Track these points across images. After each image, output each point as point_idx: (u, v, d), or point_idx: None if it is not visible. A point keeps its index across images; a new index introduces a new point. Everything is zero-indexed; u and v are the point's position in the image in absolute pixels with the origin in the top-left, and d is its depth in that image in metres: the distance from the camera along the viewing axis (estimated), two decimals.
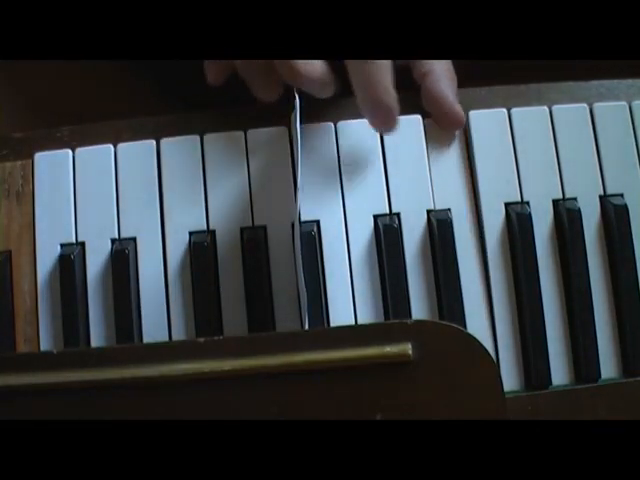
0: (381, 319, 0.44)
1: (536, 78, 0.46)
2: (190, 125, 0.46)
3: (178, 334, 0.43)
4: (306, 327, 0.39)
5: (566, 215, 0.44)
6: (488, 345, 0.40)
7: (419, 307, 0.44)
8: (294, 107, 0.44)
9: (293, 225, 0.44)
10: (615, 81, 0.47)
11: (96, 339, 0.43)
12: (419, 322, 0.36)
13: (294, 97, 0.44)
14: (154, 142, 0.45)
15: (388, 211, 0.45)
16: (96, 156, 0.45)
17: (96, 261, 0.44)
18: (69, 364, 0.35)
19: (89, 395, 0.35)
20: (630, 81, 0.46)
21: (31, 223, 0.44)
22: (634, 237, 0.44)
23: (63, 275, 0.43)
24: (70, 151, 0.45)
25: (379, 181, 0.45)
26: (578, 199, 0.45)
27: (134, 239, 0.44)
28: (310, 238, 0.43)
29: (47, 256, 0.44)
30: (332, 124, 0.46)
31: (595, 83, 0.47)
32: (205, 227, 0.45)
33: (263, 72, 0.43)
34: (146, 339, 0.43)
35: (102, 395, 0.35)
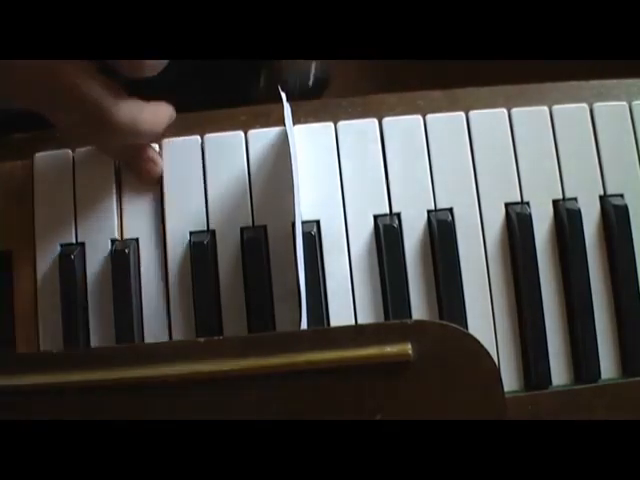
0: (381, 319, 0.44)
1: (536, 78, 0.46)
2: (190, 125, 0.46)
3: (178, 334, 0.43)
4: (303, 327, 0.39)
5: (566, 215, 0.44)
6: (488, 345, 0.40)
7: (419, 307, 0.44)
8: (283, 107, 0.44)
9: (293, 225, 0.44)
10: (615, 81, 0.47)
11: (96, 339, 0.43)
12: (419, 322, 0.36)
13: (281, 98, 0.44)
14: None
15: (388, 211, 0.45)
16: (96, 156, 0.45)
17: (96, 261, 0.44)
18: (69, 364, 0.35)
19: (89, 395, 0.35)
20: (630, 81, 0.47)
21: (31, 223, 0.44)
22: (634, 237, 0.44)
23: (63, 275, 0.43)
24: (70, 151, 0.45)
25: (379, 181, 0.45)
26: (578, 199, 0.45)
27: (134, 239, 0.44)
28: (310, 238, 0.44)
29: (47, 256, 0.44)
30: (332, 124, 0.46)
31: (595, 83, 0.47)
32: (205, 227, 0.45)
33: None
34: (146, 339, 0.43)
35: (102, 395, 0.35)
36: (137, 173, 0.45)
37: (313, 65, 0.51)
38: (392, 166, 0.45)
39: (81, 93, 0.36)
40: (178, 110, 0.48)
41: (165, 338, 0.43)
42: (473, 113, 0.46)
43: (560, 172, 0.45)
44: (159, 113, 0.42)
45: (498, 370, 0.36)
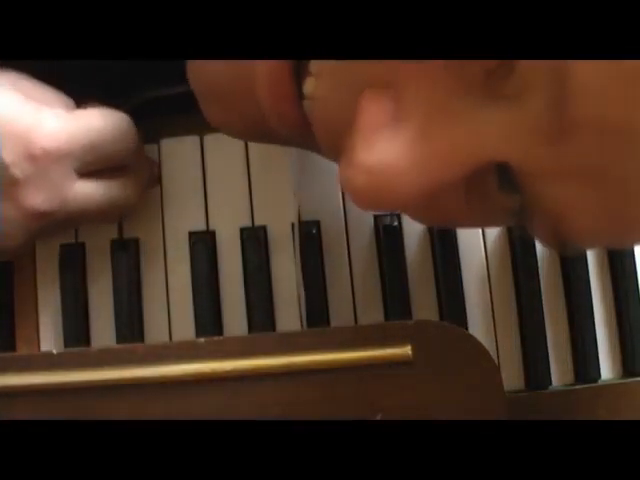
0: (381, 319, 0.44)
1: None
2: (190, 125, 0.46)
3: (178, 334, 0.43)
4: (303, 327, 0.39)
5: None
6: (488, 345, 0.40)
7: (419, 307, 0.44)
8: None
9: (293, 225, 0.44)
10: None
11: (96, 339, 0.43)
12: (419, 322, 0.36)
13: None
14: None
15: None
16: None
17: (96, 261, 0.44)
18: (69, 364, 0.35)
19: (89, 395, 0.35)
20: None
21: None
22: None
23: (63, 275, 0.43)
24: None
25: None
26: None
27: (134, 239, 0.44)
28: (310, 238, 0.43)
29: (48, 256, 0.44)
30: None
31: None
32: (205, 227, 0.45)
33: None
34: (146, 339, 0.43)
35: (102, 395, 0.35)
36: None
37: None
38: None
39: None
40: (177, 111, 0.48)
41: (165, 338, 0.43)
42: None
43: None
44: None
45: (498, 370, 0.36)
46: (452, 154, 0.28)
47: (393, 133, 0.28)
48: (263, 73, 0.32)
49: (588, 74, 0.26)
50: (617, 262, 0.44)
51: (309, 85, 0.31)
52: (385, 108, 0.28)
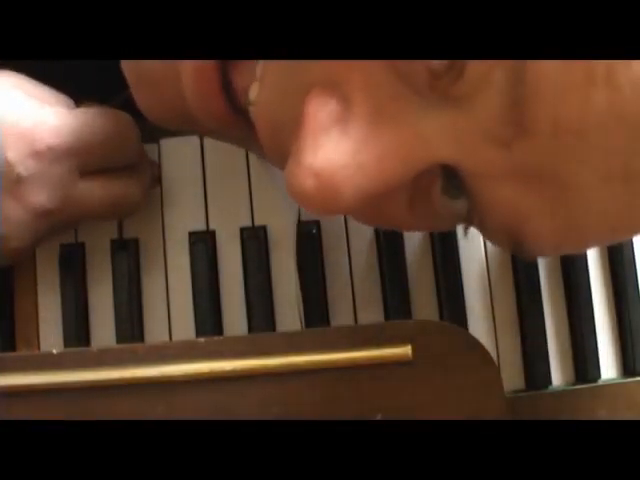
0: (381, 319, 0.44)
1: None
2: None
3: (178, 334, 0.43)
4: (303, 327, 0.39)
5: None
6: (488, 345, 0.40)
7: (419, 307, 0.44)
8: None
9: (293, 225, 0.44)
10: None
11: (96, 339, 0.43)
12: (419, 322, 0.36)
13: None
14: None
15: None
16: None
17: (96, 261, 0.44)
18: (69, 364, 0.35)
19: (89, 395, 0.35)
20: None
21: None
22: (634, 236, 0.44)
23: (63, 275, 0.43)
24: None
25: None
26: None
27: (134, 239, 0.44)
28: (310, 238, 0.43)
29: (48, 256, 0.44)
30: None
31: None
32: (205, 227, 0.45)
33: None
34: (146, 339, 0.43)
35: (102, 395, 0.35)
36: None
37: None
38: None
39: None
40: None
41: (165, 338, 0.43)
42: None
43: None
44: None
45: (498, 370, 0.36)
46: (400, 156, 0.27)
47: (340, 135, 0.27)
48: (188, 68, 0.32)
49: (545, 76, 0.25)
50: (617, 262, 0.44)
51: (253, 91, 0.31)
52: (332, 109, 0.28)
